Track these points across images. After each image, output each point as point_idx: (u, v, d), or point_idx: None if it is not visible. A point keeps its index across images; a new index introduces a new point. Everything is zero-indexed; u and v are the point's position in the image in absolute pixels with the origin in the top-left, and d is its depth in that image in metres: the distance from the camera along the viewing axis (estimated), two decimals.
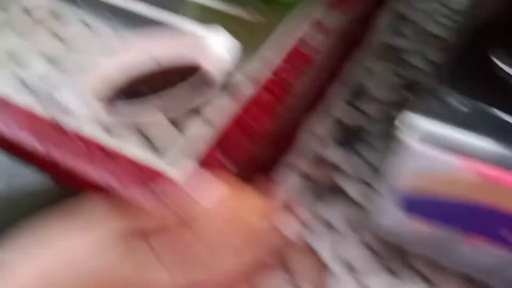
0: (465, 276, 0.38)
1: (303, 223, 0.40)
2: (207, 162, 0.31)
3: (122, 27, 0.42)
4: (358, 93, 0.51)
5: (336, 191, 0.42)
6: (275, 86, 0.37)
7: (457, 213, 0.33)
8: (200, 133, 0.31)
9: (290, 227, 0.24)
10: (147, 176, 0.30)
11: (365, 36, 0.56)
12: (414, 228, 0.35)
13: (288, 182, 0.43)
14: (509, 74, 0.36)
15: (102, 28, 0.41)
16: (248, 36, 0.40)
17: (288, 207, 0.25)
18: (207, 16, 0.43)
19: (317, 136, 0.47)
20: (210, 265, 0.23)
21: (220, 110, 0.33)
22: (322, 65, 0.45)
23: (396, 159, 0.33)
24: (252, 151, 0.36)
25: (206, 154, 0.31)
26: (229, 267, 0.23)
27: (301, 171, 0.43)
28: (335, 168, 0.43)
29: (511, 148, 0.32)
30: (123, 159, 0.30)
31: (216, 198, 0.25)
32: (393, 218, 0.35)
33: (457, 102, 0.36)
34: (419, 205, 0.34)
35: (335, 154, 0.44)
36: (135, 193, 0.27)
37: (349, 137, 0.46)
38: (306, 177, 0.43)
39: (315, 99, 0.52)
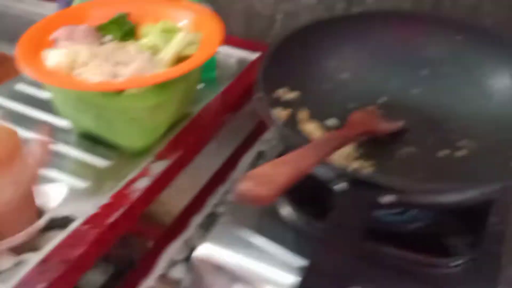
0: None
1: None
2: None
3: None
4: (210, 220, 0.63)
5: None
6: (102, 221, 0.50)
7: None
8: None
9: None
10: None
11: (228, 174, 0.69)
12: None
13: None
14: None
15: None
16: (91, 180, 0.54)
17: None
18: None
19: (170, 258, 0.58)
20: None
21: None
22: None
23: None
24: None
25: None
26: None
27: None
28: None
29: None
30: None
31: None
32: None
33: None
34: None
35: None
36: None
37: None
38: None
39: (176, 227, 0.64)
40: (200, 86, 0.77)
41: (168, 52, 0.60)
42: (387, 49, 0.69)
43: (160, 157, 0.61)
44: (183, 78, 0.58)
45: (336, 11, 0.83)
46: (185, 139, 0.65)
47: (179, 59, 0.62)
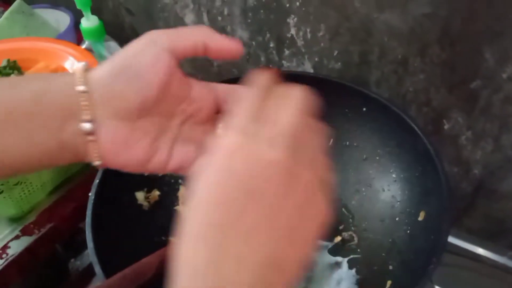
0: None
1: None
2: None
3: None
4: None
5: None
6: None
7: None
8: None
9: None
10: None
11: None
12: None
13: None
14: None
15: None
16: None
17: None
18: None
19: None
20: None
21: None
22: None
23: None
24: None
25: None
26: None
27: None
28: None
29: None
30: None
31: None
32: None
33: None
34: None
35: None
36: None
37: None
38: None
39: None
40: None
41: None
42: None
43: (25, 232, 0.58)
44: None
45: (269, 49, 0.75)
46: (61, 208, 0.61)
47: None
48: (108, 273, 0.41)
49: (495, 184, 0.67)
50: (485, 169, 0.66)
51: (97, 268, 0.42)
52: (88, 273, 0.60)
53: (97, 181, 0.49)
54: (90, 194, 0.48)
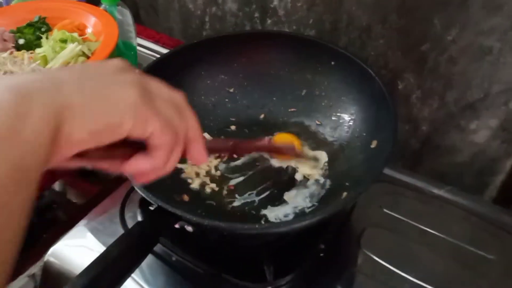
0: None
1: None
2: None
3: None
4: None
5: None
6: None
7: None
8: None
9: None
10: None
11: None
12: None
13: None
14: None
15: None
16: None
17: None
18: None
19: None
20: None
21: None
22: None
23: None
24: None
25: None
26: None
27: None
28: None
29: None
30: None
31: None
32: None
33: None
34: None
35: None
36: None
37: None
38: None
39: None
40: None
41: (55, 63, 0.67)
42: (271, 68, 0.74)
43: None
44: None
45: (253, 19, 0.87)
46: None
47: None
48: None
49: (439, 140, 0.79)
50: (431, 126, 0.79)
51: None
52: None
53: None
54: None
